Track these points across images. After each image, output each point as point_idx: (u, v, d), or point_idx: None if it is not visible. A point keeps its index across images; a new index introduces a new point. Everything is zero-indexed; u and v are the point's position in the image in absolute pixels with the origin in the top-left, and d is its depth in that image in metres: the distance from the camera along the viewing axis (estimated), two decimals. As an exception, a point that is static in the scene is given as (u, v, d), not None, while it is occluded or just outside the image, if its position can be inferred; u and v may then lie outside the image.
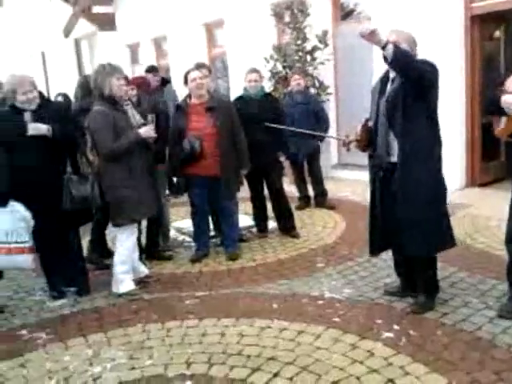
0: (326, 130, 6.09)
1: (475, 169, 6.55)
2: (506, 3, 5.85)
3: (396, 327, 3.12)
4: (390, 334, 3.03)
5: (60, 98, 5.80)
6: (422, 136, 3.14)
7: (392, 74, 3.23)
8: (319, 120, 6.02)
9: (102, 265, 4.55)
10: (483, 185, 6.38)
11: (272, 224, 5.38)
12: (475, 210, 5.55)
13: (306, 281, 3.99)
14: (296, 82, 6.09)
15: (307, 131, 5.37)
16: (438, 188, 3.24)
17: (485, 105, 3.25)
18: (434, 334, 3.01)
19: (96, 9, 12.64)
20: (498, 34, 6.43)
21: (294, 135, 5.35)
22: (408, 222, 3.17)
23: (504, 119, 3.06)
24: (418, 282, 3.40)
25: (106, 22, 12.66)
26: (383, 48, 2.91)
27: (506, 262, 3.22)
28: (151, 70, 7.31)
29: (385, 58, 2.97)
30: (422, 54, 3.29)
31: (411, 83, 3.03)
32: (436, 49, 6.20)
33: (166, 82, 7.66)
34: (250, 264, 4.48)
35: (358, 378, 2.63)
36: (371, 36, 2.88)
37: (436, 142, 3.23)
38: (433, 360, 2.73)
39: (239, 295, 3.80)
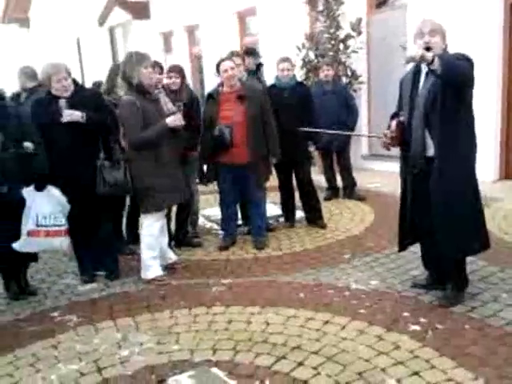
0: (355, 120, 6.06)
1: (510, 161, 6.38)
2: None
3: (423, 320, 3.09)
4: (417, 327, 3.01)
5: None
6: (460, 135, 3.09)
7: (425, 68, 3.16)
8: (349, 109, 5.98)
9: (126, 250, 4.63)
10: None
11: (299, 214, 5.38)
12: (509, 203, 5.42)
13: (332, 271, 3.99)
14: (324, 74, 6.06)
15: (340, 132, 5.34)
16: (475, 187, 3.18)
17: None
18: (462, 329, 2.97)
19: (130, -3, 12.77)
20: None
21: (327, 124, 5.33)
22: (445, 222, 3.13)
23: None
24: (447, 275, 3.35)
25: (140, 11, 12.79)
26: (430, 63, 2.87)
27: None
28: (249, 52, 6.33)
29: (432, 71, 2.92)
30: (459, 44, 3.21)
31: (453, 85, 2.97)
32: (473, 39, 6.06)
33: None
34: (277, 253, 4.50)
35: (383, 370, 2.62)
36: (421, 59, 2.88)
37: (473, 139, 3.17)
38: (459, 354, 2.70)
39: (265, 284, 3.83)
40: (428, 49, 2.98)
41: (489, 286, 3.50)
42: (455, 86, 2.97)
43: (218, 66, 4.50)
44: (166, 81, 4.58)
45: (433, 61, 2.84)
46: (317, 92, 5.94)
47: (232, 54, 4.92)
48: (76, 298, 3.83)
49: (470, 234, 3.17)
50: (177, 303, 3.59)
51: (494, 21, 6.04)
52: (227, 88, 4.47)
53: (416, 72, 3.24)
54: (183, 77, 4.67)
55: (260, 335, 3.07)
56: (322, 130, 4.88)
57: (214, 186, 4.87)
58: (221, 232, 4.95)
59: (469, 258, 3.40)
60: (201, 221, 5.33)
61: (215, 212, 5.38)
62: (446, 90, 2.99)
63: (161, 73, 4.60)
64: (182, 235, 4.83)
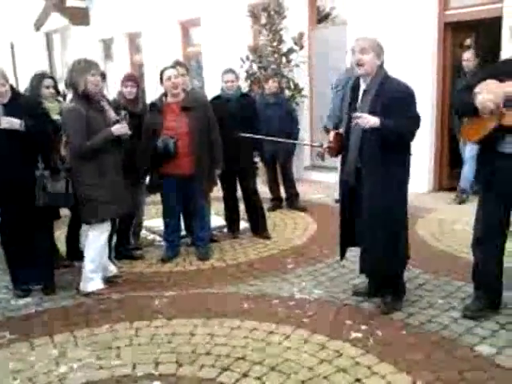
0: (297, 131, 6.21)
1: (443, 174, 6.71)
2: (476, 13, 6.01)
3: (364, 327, 3.16)
4: (358, 335, 3.08)
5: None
6: (394, 151, 3.20)
7: (364, 85, 3.28)
8: (292, 121, 6.11)
9: (63, 263, 4.47)
10: (450, 189, 6.53)
11: (243, 224, 5.39)
12: (441, 213, 5.68)
13: (276, 282, 4.01)
14: (268, 86, 6.16)
15: (282, 139, 5.43)
16: (402, 206, 3.32)
17: (457, 106, 3.32)
18: (401, 335, 3.07)
19: (69, 2, 12.42)
20: (468, 42, 6.59)
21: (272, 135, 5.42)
22: (375, 239, 3.25)
23: (470, 122, 3.13)
24: (386, 283, 3.46)
25: (80, 16, 12.46)
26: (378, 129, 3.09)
27: (471, 264, 3.31)
28: None
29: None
30: (395, 61, 3.36)
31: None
32: (409, 55, 6.35)
33: None
34: (221, 264, 4.48)
35: (325, 378, 2.66)
36: (367, 125, 3.07)
37: (406, 155, 3.31)
38: (399, 360, 2.78)
39: (209, 295, 3.80)
40: (359, 65, 3.16)
41: (425, 293, 3.64)
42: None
43: (161, 74, 4.46)
44: (123, 90, 4.49)
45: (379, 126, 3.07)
46: (261, 104, 6.02)
47: (176, 64, 4.90)
48: (9, 314, 3.64)
49: (390, 256, 3.29)
50: (117, 317, 3.49)
51: (428, 38, 6.36)
52: (171, 98, 4.43)
53: (354, 88, 3.35)
54: (139, 86, 4.60)
55: (204, 347, 3.04)
56: (263, 137, 4.93)
57: (156, 197, 4.80)
58: (163, 243, 4.87)
59: (406, 266, 3.52)
60: (143, 232, 5.23)
61: (158, 223, 5.29)
62: (385, 114, 3.12)
63: (127, 82, 4.53)
64: (124, 247, 4.71)
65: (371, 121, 3.08)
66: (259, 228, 5.23)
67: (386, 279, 3.43)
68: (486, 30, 6.38)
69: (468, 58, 5.94)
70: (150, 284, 4.08)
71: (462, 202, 5.91)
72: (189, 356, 2.94)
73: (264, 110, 5.87)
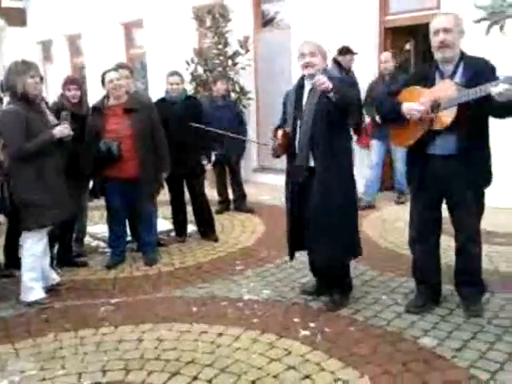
0: (245, 133, 6.24)
1: (386, 174, 6.91)
2: (414, 18, 6.26)
3: (312, 325, 3.21)
4: (307, 332, 3.12)
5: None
6: (341, 149, 3.31)
7: (309, 86, 3.34)
8: (241, 123, 6.15)
9: (5, 272, 4.28)
10: (392, 189, 6.73)
11: (191, 228, 5.35)
12: (385, 212, 5.87)
13: (225, 284, 4.01)
14: (217, 88, 6.15)
15: (230, 134, 5.45)
16: (352, 200, 3.41)
17: (384, 113, 3.40)
18: (348, 330, 3.13)
19: (5, 3, 11.94)
20: (408, 46, 6.85)
21: (222, 136, 5.49)
22: (326, 230, 3.30)
23: (399, 127, 3.24)
24: (333, 281, 3.52)
25: (16, 17, 12.02)
26: (328, 92, 3.09)
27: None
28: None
29: (329, 98, 3.13)
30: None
31: (345, 109, 3.20)
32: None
33: None
34: (169, 269, 4.42)
35: (275, 376, 2.68)
36: (322, 85, 3.07)
37: (352, 153, 3.42)
38: (347, 355, 2.83)
39: (157, 300, 3.74)
40: (308, 67, 3.23)
41: (370, 289, 3.74)
42: (345, 109, 3.20)
43: (103, 76, 4.36)
44: (67, 93, 4.35)
45: (331, 91, 3.07)
46: (210, 106, 6.03)
47: (118, 66, 4.81)
48: None
49: (348, 241, 3.37)
50: (61, 326, 3.37)
51: (370, 42, 6.56)
52: (113, 100, 4.35)
53: (299, 87, 3.41)
54: (82, 89, 4.47)
55: (152, 352, 2.98)
56: (213, 129, 4.93)
57: (100, 202, 4.68)
58: (108, 250, 4.76)
59: (352, 264, 3.61)
60: (86, 239, 5.08)
61: (102, 229, 5.17)
62: (332, 110, 3.18)
63: (70, 84, 4.38)
64: (66, 254, 4.56)
65: (326, 82, 3.06)
66: (207, 231, 5.21)
67: (334, 277, 3.49)
68: (425, 35, 6.63)
69: (386, 60, 5.93)
70: (94, 291, 3.97)
71: (401, 202, 6.10)
72: (137, 362, 2.88)
73: (213, 112, 5.89)
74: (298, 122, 3.35)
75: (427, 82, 3.12)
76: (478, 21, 5.61)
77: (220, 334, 3.16)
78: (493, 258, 4.23)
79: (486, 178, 3.15)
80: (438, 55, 3.08)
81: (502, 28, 5.50)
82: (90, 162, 4.27)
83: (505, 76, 2.74)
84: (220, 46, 7.71)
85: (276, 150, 3.46)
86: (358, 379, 2.61)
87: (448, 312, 3.30)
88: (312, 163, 3.31)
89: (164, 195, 5.07)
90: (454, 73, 3.06)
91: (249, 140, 6.07)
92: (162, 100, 5.08)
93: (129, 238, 4.89)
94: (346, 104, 3.15)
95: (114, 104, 4.33)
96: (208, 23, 7.90)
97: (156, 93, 5.96)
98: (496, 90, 2.70)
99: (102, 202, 4.60)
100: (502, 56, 4.76)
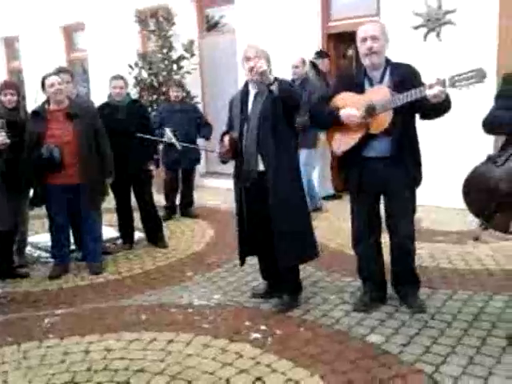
0: (207, 135, 6.08)
1: (333, 176, 7.05)
2: (356, 25, 6.39)
3: (263, 327, 3.22)
4: (258, 335, 3.13)
5: None
6: (289, 152, 3.34)
7: (254, 90, 3.36)
8: (199, 127, 6.04)
9: None
10: (338, 191, 6.88)
11: (138, 235, 5.26)
12: (331, 214, 5.98)
13: (174, 290, 3.96)
14: (175, 94, 6.09)
15: (179, 143, 5.40)
16: (304, 200, 3.45)
17: (320, 119, 3.43)
18: (298, 331, 3.16)
19: None
20: (350, 52, 7.02)
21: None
22: (282, 232, 3.31)
23: (335, 132, 3.31)
24: (283, 283, 3.55)
25: None
26: (270, 85, 3.12)
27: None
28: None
29: (271, 91, 3.16)
30: (282, 69, 3.49)
31: (287, 105, 3.23)
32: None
33: None
34: (116, 277, 4.32)
35: (227, 380, 2.66)
36: (262, 75, 3.09)
37: (296, 156, 3.47)
38: (297, 355, 2.86)
39: (104, 310, 3.64)
40: (253, 71, 3.21)
41: (319, 290, 3.80)
42: (288, 105, 3.22)
43: (43, 81, 4.22)
44: (2, 98, 4.17)
45: (273, 82, 3.10)
46: (167, 111, 5.99)
47: (59, 70, 4.68)
48: None
49: (303, 243, 3.41)
50: (3, 340, 3.21)
51: (313, 48, 6.68)
52: (54, 105, 4.22)
53: (244, 93, 3.43)
54: (19, 94, 4.30)
55: (100, 363, 2.90)
56: (158, 138, 4.87)
57: (41, 210, 4.51)
58: (51, 260, 4.59)
59: (301, 266, 3.65)
60: (27, 249, 4.89)
61: (44, 238, 4.99)
62: (277, 113, 3.22)
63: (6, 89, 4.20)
64: (7, 266, 4.36)
65: (265, 67, 3.09)
66: (155, 237, 5.13)
67: (284, 279, 3.52)
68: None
69: (297, 65, 5.87)
70: (38, 303, 3.82)
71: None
72: (84, 374, 2.79)
73: (170, 117, 5.83)
74: (245, 127, 3.36)
75: (356, 88, 3.21)
76: (417, 27, 5.85)
77: (170, 341, 3.11)
78: (434, 256, 4.40)
79: (418, 177, 3.28)
80: (366, 62, 3.18)
81: (438, 34, 5.75)
82: (30, 169, 4.12)
83: (438, 78, 2.86)
84: (165, 50, 7.65)
85: (224, 155, 3.46)
86: (309, 378, 2.64)
87: (394, 309, 3.40)
88: (260, 167, 3.33)
89: (109, 202, 4.95)
90: (382, 78, 3.17)
91: (196, 147, 6.01)
92: (106, 104, 4.97)
93: (73, 247, 4.75)
94: (288, 99, 3.17)
95: (56, 109, 4.21)
96: (152, 26, 7.81)
97: (99, 97, 5.83)
98: (431, 92, 2.82)
99: (43, 210, 4.43)
100: (439, 61, 4.98)
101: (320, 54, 6.30)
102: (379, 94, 3.10)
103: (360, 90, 3.20)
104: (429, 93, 2.83)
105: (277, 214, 3.30)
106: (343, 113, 3.16)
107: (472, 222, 3.53)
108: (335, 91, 3.36)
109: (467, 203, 2.84)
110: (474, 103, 4.79)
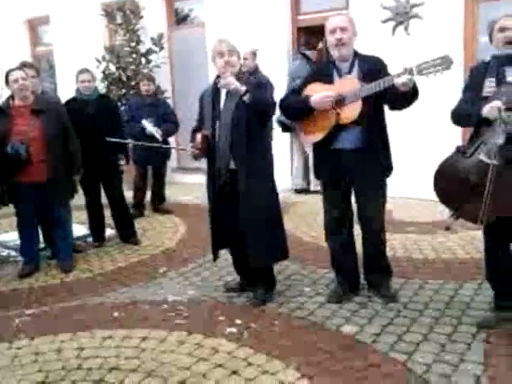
0: (170, 131, 6.01)
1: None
2: (324, 18, 6.42)
3: (238, 322, 3.21)
4: (233, 329, 3.12)
5: None
6: (261, 150, 3.33)
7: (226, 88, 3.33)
8: (167, 122, 5.90)
9: None
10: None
11: (109, 232, 5.18)
12: (305, 207, 6.02)
13: (147, 287, 3.92)
14: (145, 88, 5.97)
15: (148, 143, 5.34)
16: (276, 200, 3.44)
17: (291, 110, 3.42)
18: (273, 324, 3.17)
19: None
20: (320, 45, 7.05)
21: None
22: (253, 232, 3.31)
23: (306, 124, 3.33)
24: (257, 277, 3.55)
25: None
26: (243, 95, 3.13)
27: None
28: None
29: (243, 101, 3.16)
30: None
31: (259, 114, 3.24)
32: (266, 56, 6.59)
33: None
34: (87, 275, 4.25)
35: (203, 375, 2.65)
36: (232, 88, 3.13)
37: (271, 154, 3.46)
38: (272, 348, 2.87)
39: (76, 308, 3.58)
40: (228, 66, 3.22)
41: (294, 283, 3.82)
42: (260, 113, 3.24)
43: (6, 76, 4.10)
44: None
45: (245, 93, 3.10)
46: (137, 105, 5.88)
47: (23, 65, 4.56)
48: None
49: (274, 244, 3.42)
50: (-30, 343, 3.13)
51: (284, 41, 6.69)
52: (19, 101, 4.11)
53: (215, 89, 3.38)
54: None
55: (73, 362, 2.85)
56: (129, 141, 4.81)
57: (9, 208, 4.40)
58: (20, 258, 4.48)
59: (275, 259, 3.66)
60: (-5, 248, 4.78)
61: (12, 237, 4.87)
62: (251, 115, 3.21)
63: None
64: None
65: (238, 87, 3.13)
66: (127, 234, 5.07)
67: (258, 273, 3.52)
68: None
69: (246, 57, 5.57)
70: (7, 303, 3.72)
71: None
72: (58, 373, 2.74)
73: (140, 112, 5.74)
74: (217, 124, 3.33)
75: (325, 79, 3.23)
76: (385, 21, 5.91)
77: (144, 338, 3.08)
78: (406, 246, 4.47)
79: (388, 168, 3.32)
80: (334, 53, 3.21)
81: (406, 28, 5.82)
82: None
83: (405, 67, 2.89)
84: (132, 44, 7.53)
85: (196, 153, 3.42)
86: (284, 370, 2.65)
87: (367, 299, 3.44)
88: (233, 165, 3.31)
89: (80, 199, 4.86)
90: (351, 70, 3.20)
91: (168, 147, 5.95)
92: (73, 99, 4.87)
93: (42, 245, 4.64)
94: (260, 107, 3.20)
95: (21, 105, 4.10)
96: (119, 20, 7.68)
97: (66, 92, 5.71)
98: (399, 80, 2.86)
99: (11, 208, 4.32)
100: (407, 55, 5.03)
101: (308, 45, 6.34)
102: (348, 84, 3.13)
103: (329, 81, 3.22)
104: (397, 81, 2.86)
105: (248, 215, 3.29)
106: (316, 96, 3.15)
107: (443, 212, 3.59)
108: (305, 83, 3.36)
109: (438, 194, 2.89)
110: (443, 95, 4.88)
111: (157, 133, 5.65)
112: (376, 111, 3.18)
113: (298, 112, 3.36)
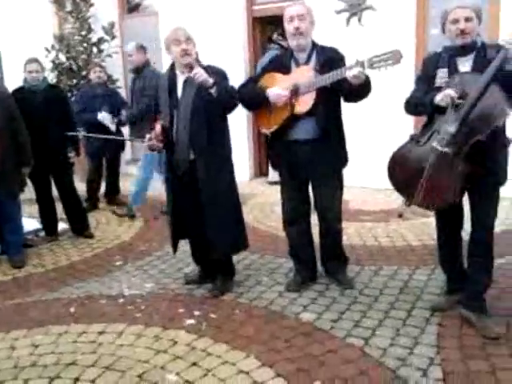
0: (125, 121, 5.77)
1: (262, 161, 7.11)
2: (280, 9, 6.43)
3: (197, 313, 3.20)
4: (192, 321, 3.10)
5: None
6: (220, 140, 3.30)
7: (182, 76, 3.27)
8: (120, 112, 5.73)
9: None
10: (266, 174, 6.94)
11: (62, 226, 5.04)
12: (262, 197, 6.04)
13: (103, 281, 3.84)
14: (96, 75, 5.77)
15: (103, 135, 5.21)
16: (235, 191, 3.43)
17: (247, 100, 3.37)
18: (233, 314, 3.18)
19: None
20: (275, 36, 7.05)
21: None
22: (214, 222, 3.29)
23: (263, 112, 3.32)
24: (216, 268, 3.54)
25: None
26: (210, 87, 3.07)
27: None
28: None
29: (210, 94, 3.10)
30: (209, 52, 3.41)
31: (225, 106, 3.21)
32: (222, 46, 6.55)
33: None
34: (40, 270, 4.12)
35: (162, 367, 2.63)
36: (202, 79, 3.05)
37: (230, 144, 3.42)
38: (232, 338, 2.87)
39: (29, 304, 3.47)
40: (186, 55, 3.16)
41: (252, 272, 3.83)
42: (224, 105, 3.21)
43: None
44: None
45: (212, 86, 3.06)
46: (88, 95, 5.68)
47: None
48: None
49: (234, 234, 3.41)
50: None
51: (239, 31, 6.65)
52: (-36, 90, 3.91)
53: (171, 77, 3.32)
54: None
55: (27, 359, 2.76)
56: (84, 133, 4.68)
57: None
58: (-32, 255, 4.31)
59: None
60: None
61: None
62: (211, 106, 3.16)
63: None
64: None
65: (207, 78, 3.07)
66: (80, 227, 4.94)
67: (217, 264, 3.51)
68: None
69: (131, 53, 5.35)
70: (-46, 301, 3.57)
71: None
72: (11, 372, 2.65)
73: (91, 102, 5.58)
74: (175, 114, 3.28)
75: (283, 68, 3.24)
76: (339, 12, 5.96)
77: (101, 333, 3.02)
78: (362, 234, 4.56)
79: (344, 159, 3.37)
80: (293, 43, 3.21)
81: (360, 19, 5.90)
82: None
83: (357, 60, 2.92)
84: (83, 32, 7.31)
85: (154, 145, 3.36)
86: (244, 359, 2.66)
87: (325, 287, 3.50)
88: (192, 156, 3.27)
89: (31, 192, 4.69)
90: (308, 60, 3.21)
91: (122, 139, 5.81)
92: (21, 88, 4.68)
93: (-9, 240, 4.47)
94: (225, 100, 3.17)
95: (-35, 94, 3.91)
96: (68, 7, 7.43)
97: (13, 83, 5.47)
98: (351, 73, 2.89)
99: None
100: (361, 46, 5.11)
101: (282, 35, 6.33)
102: (303, 74, 3.14)
103: (287, 70, 3.22)
104: (348, 74, 2.90)
105: (208, 206, 3.27)
106: (271, 92, 3.17)
107: (396, 200, 3.68)
108: (264, 72, 3.36)
109: (392, 182, 2.95)
110: (396, 86, 4.98)
111: (113, 124, 5.52)
112: (332, 102, 3.20)
113: (254, 102, 3.35)
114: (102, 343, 2.90)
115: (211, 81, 3.08)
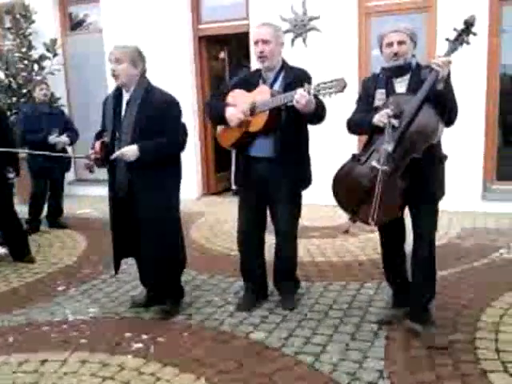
0: (74, 139, 5.68)
1: (210, 179, 7.09)
2: (226, 28, 6.52)
3: (145, 337, 3.11)
4: (140, 345, 3.01)
5: None
6: (161, 166, 3.21)
7: (127, 96, 3.22)
8: (67, 131, 5.59)
9: None
10: (217, 193, 6.93)
11: (1, 250, 4.80)
12: (211, 216, 6.00)
13: (46, 307, 3.66)
14: (43, 92, 5.55)
15: (39, 152, 5.02)
16: (175, 214, 3.36)
17: (213, 116, 3.43)
18: (182, 336, 3.10)
19: None
20: (222, 55, 7.12)
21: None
22: (150, 248, 3.24)
23: (224, 128, 3.35)
24: (164, 290, 3.46)
25: None
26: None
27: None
28: None
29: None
30: (155, 70, 3.38)
31: None
32: (168, 65, 6.53)
33: None
34: (-24, 297, 3.90)
35: (109, 396, 2.53)
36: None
37: (179, 177, 3.38)
38: (182, 361, 2.80)
39: (-36, 335, 3.26)
40: (114, 76, 3.16)
41: (202, 293, 3.77)
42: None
43: None
44: None
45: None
46: (32, 114, 5.44)
47: None
48: None
49: (170, 259, 3.33)
50: None
51: (185, 50, 6.66)
52: None
53: (117, 97, 3.28)
54: None
55: (-40, 396, 2.59)
56: (20, 150, 4.50)
57: None
58: None
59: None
60: None
61: None
62: (154, 126, 3.14)
63: None
64: None
65: (131, 156, 3.08)
66: (21, 252, 4.71)
67: (164, 286, 3.43)
68: (237, 44, 6.99)
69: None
70: None
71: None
72: None
73: (36, 121, 5.35)
74: (117, 134, 3.22)
75: (251, 87, 3.27)
76: (284, 32, 6.06)
77: (44, 361, 2.87)
78: (310, 251, 4.61)
79: (303, 180, 3.38)
80: (259, 64, 3.28)
81: (304, 40, 6.04)
82: None
83: (306, 85, 2.97)
84: (24, 49, 7.09)
85: (94, 163, 3.27)
86: (195, 382, 2.60)
87: (275, 305, 3.49)
88: (130, 177, 3.20)
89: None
90: (275, 80, 3.26)
91: (67, 155, 5.64)
92: (-45, 107, 4.47)
93: None
94: (163, 156, 3.18)
95: None
96: (7, 24, 7.20)
97: None
98: (296, 97, 2.93)
99: None
100: (306, 66, 5.20)
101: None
102: (262, 94, 3.18)
103: (254, 89, 3.25)
104: (295, 97, 2.94)
105: (144, 224, 3.22)
106: (227, 111, 3.21)
107: (342, 215, 3.74)
108: (232, 88, 3.37)
109: (336, 199, 3.01)
110: (339, 106, 5.11)
111: (65, 144, 5.35)
112: (290, 122, 3.18)
113: (215, 117, 3.38)
114: (45, 372, 2.76)
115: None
